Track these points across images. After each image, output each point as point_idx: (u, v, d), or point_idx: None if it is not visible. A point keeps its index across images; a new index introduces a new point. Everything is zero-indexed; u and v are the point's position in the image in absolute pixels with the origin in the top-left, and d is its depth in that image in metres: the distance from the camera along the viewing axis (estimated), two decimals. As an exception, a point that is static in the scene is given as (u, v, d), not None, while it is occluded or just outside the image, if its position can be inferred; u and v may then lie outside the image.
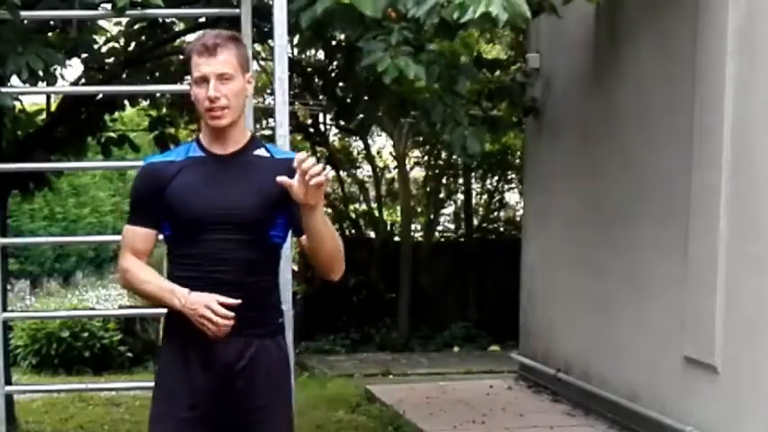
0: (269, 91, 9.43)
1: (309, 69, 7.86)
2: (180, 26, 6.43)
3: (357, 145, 12.27)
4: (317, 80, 7.75)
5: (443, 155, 11.42)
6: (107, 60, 6.26)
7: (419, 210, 11.95)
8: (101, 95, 6.25)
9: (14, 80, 4.89)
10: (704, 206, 5.45)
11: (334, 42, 5.83)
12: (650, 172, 6.13)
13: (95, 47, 6.01)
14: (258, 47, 7.94)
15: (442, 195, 11.95)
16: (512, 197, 12.32)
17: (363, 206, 12.03)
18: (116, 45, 6.39)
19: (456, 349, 10.38)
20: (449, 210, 12.38)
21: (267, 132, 8.02)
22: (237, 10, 4.39)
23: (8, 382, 4.90)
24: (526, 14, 4.34)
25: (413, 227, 11.66)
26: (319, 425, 6.60)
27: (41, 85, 5.04)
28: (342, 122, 10.19)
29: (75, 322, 9.24)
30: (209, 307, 2.76)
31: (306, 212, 2.80)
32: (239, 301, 2.79)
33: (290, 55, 6.81)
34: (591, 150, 7.05)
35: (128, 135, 7.09)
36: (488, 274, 11.00)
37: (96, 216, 13.27)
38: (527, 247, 8.32)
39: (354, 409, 7.30)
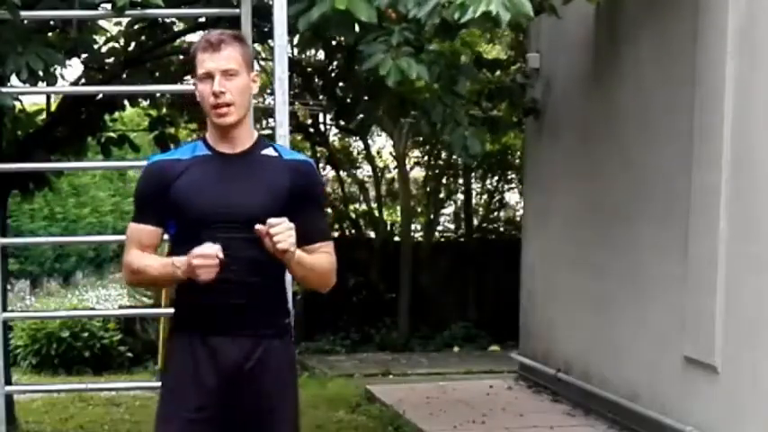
0: (269, 91, 9.42)
1: (309, 69, 7.87)
2: (180, 26, 6.43)
3: (357, 145, 12.26)
4: (317, 80, 7.75)
5: (443, 155, 11.42)
6: (107, 60, 6.26)
7: (419, 210, 11.94)
8: (101, 95, 6.25)
9: (14, 80, 4.90)
10: (704, 206, 5.45)
11: (334, 43, 5.83)
12: (650, 172, 6.13)
13: (95, 47, 6.01)
14: (258, 47, 7.93)
15: (442, 195, 11.95)
16: (512, 197, 12.32)
17: (363, 206, 12.02)
18: (116, 45, 6.38)
19: (456, 349, 10.38)
20: (449, 210, 12.37)
21: (267, 132, 8.01)
22: (237, 10, 4.40)
23: (8, 382, 4.90)
24: (529, 13, 4.33)
25: (413, 227, 11.65)
26: (319, 425, 6.59)
27: (41, 85, 5.03)
28: (342, 122, 10.19)
29: (75, 322, 9.23)
30: (196, 255, 2.73)
31: (280, 258, 2.79)
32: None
33: (290, 55, 6.82)
34: (591, 150, 7.05)
35: (128, 135, 7.09)
36: (488, 274, 11.00)
37: (96, 216, 13.27)
38: (527, 247, 8.32)
39: (354, 409, 7.30)
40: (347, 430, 6.65)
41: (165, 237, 2.97)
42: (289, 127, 4.08)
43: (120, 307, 10.17)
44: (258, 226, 2.72)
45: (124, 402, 7.53)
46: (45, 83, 4.96)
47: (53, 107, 6.72)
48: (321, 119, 11.49)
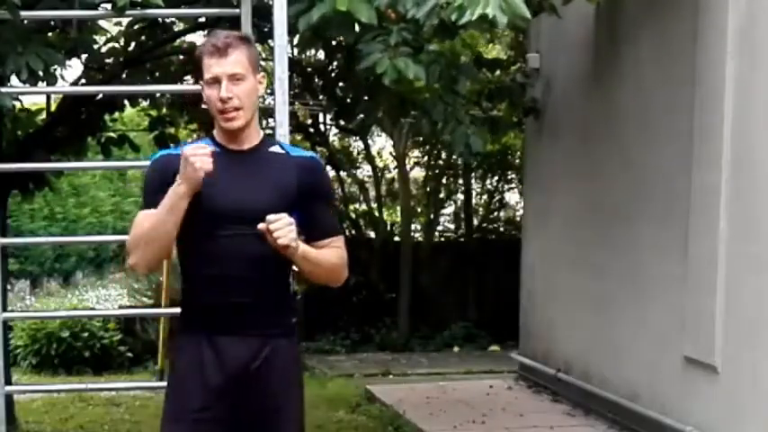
0: (269, 91, 9.43)
1: (309, 69, 7.86)
2: (180, 26, 6.43)
3: (357, 145, 12.26)
4: (317, 80, 7.74)
5: (443, 155, 11.42)
6: (107, 60, 6.26)
7: (419, 210, 11.94)
8: (101, 95, 6.25)
9: (14, 80, 4.89)
10: (704, 206, 5.45)
11: (333, 42, 5.84)
12: (650, 172, 6.14)
13: (95, 47, 6.01)
14: (258, 47, 7.92)
15: (442, 195, 11.95)
16: (512, 197, 12.32)
17: (363, 206, 12.02)
18: (116, 45, 6.38)
19: (456, 349, 10.38)
20: (449, 210, 12.37)
21: (267, 132, 8.00)
22: (237, 10, 4.40)
23: (8, 382, 4.90)
24: (525, 15, 4.34)
25: (413, 227, 11.66)
26: (319, 425, 6.59)
27: (41, 85, 5.03)
28: (342, 122, 10.19)
29: (75, 322, 9.23)
30: (186, 154, 2.73)
31: (283, 253, 2.79)
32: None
33: (290, 55, 6.81)
34: (591, 150, 7.05)
35: (128, 135, 7.10)
36: (488, 274, 10.99)
37: (96, 216, 13.26)
38: (527, 247, 8.32)
39: (354, 409, 7.30)
40: (347, 430, 6.66)
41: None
42: (289, 127, 4.08)
43: (120, 307, 10.16)
44: (261, 225, 2.72)
45: (124, 402, 7.53)
46: (45, 83, 4.96)
47: (53, 107, 6.72)
48: (321, 119, 11.49)
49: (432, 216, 11.81)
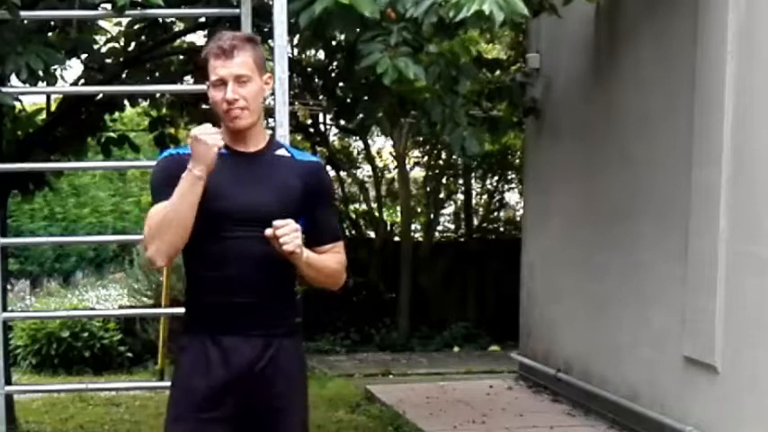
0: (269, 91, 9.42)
1: (309, 69, 7.85)
2: (180, 26, 6.43)
3: (357, 145, 12.26)
4: (317, 80, 7.74)
5: (443, 155, 11.43)
6: (107, 60, 6.26)
7: (419, 210, 11.94)
8: (101, 95, 6.25)
9: (14, 80, 4.89)
10: (704, 206, 5.45)
11: (334, 42, 5.83)
12: (650, 172, 6.14)
13: (95, 47, 6.01)
14: (259, 47, 7.91)
15: (441, 195, 11.95)
16: (512, 197, 12.32)
17: (363, 206, 12.02)
18: (116, 45, 6.38)
19: (456, 349, 10.38)
20: (449, 210, 12.37)
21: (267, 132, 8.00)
22: (237, 10, 4.39)
23: (8, 382, 4.90)
24: (523, 11, 4.33)
25: (413, 227, 11.66)
26: (319, 425, 6.59)
27: (41, 85, 5.03)
28: (342, 122, 10.18)
29: (75, 322, 9.22)
30: (193, 136, 2.75)
31: (288, 259, 2.79)
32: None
33: (290, 55, 6.81)
34: (591, 150, 7.05)
35: (128, 135, 7.09)
36: (488, 274, 10.99)
37: (96, 216, 13.25)
38: (527, 247, 8.32)
39: (354, 409, 7.30)
40: (347, 430, 6.65)
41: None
42: (289, 127, 4.08)
43: (120, 307, 10.15)
44: (267, 231, 2.72)
45: (124, 402, 7.54)
46: (45, 83, 4.96)
47: (53, 107, 6.72)
48: (321, 119, 11.49)
49: (432, 216, 11.81)
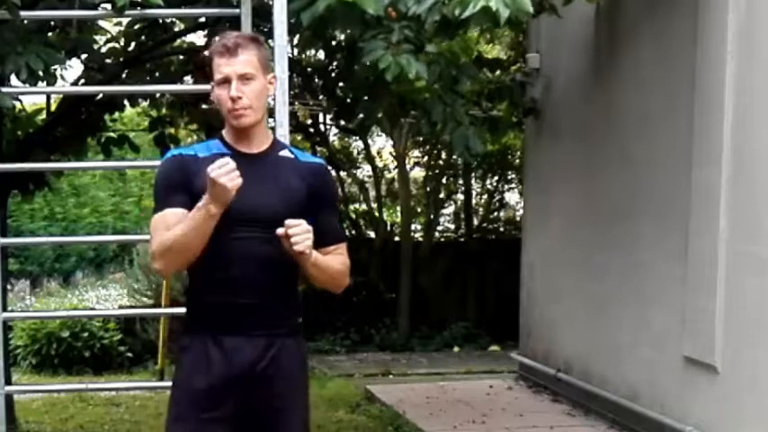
0: (269, 91, 9.40)
1: (309, 69, 7.85)
2: (180, 26, 6.43)
3: (357, 145, 12.26)
4: (317, 80, 7.74)
5: (443, 155, 11.43)
6: (107, 60, 6.26)
7: (419, 210, 11.95)
8: (101, 95, 6.25)
9: (14, 80, 4.89)
10: (704, 206, 5.45)
11: (334, 42, 5.83)
12: (650, 172, 6.14)
13: (95, 47, 6.01)
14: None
15: (441, 195, 11.95)
16: (512, 197, 12.32)
17: (363, 206, 12.03)
18: (116, 45, 6.38)
19: (456, 349, 10.38)
20: (449, 210, 12.37)
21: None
22: (237, 10, 4.39)
23: (8, 382, 4.90)
24: (528, 9, 4.31)
25: (413, 227, 11.66)
26: (319, 425, 6.59)
27: (41, 85, 5.03)
28: (342, 122, 10.18)
29: (75, 322, 9.22)
30: (211, 169, 2.69)
31: (297, 259, 2.80)
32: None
33: (290, 55, 6.81)
34: (591, 150, 7.05)
35: (128, 135, 7.09)
36: (488, 274, 10.99)
37: (96, 216, 13.26)
38: (527, 247, 8.32)
39: (354, 409, 7.30)
40: (347, 430, 6.65)
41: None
42: (289, 127, 4.08)
43: (120, 307, 10.15)
44: (279, 230, 2.73)
45: (124, 402, 7.54)
46: (45, 83, 4.97)
47: (53, 107, 6.72)
48: (321, 119, 11.49)
49: (432, 216, 11.81)
